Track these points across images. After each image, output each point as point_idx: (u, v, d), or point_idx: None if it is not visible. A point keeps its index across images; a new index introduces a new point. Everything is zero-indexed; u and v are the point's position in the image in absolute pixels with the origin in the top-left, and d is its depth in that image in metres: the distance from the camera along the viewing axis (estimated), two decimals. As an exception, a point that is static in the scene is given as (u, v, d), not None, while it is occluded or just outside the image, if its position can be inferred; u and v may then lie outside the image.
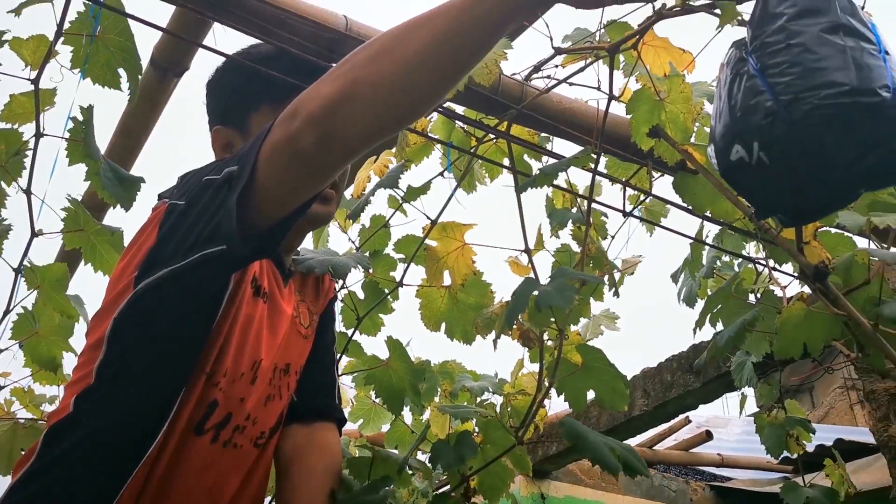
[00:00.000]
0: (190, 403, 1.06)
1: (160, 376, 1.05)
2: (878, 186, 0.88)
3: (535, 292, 1.23)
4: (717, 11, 1.16)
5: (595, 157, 1.38)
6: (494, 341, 1.47)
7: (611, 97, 1.46)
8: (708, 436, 3.79)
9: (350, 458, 1.55)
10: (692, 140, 1.40)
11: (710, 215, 1.57)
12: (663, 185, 2.32)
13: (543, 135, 1.75)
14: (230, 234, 0.95)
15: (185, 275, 1.01)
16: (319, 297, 1.42)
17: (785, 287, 1.66)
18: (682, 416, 3.37)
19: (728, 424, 4.54)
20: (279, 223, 0.99)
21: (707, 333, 3.23)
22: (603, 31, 1.52)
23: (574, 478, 3.48)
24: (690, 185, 1.50)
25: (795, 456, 2.16)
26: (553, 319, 1.43)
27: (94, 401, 1.04)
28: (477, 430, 1.76)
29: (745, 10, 1.20)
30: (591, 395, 1.64)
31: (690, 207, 1.55)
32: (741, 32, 1.07)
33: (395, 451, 1.92)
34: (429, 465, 1.56)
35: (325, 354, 1.41)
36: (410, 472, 1.45)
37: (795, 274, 1.99)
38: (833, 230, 1.63)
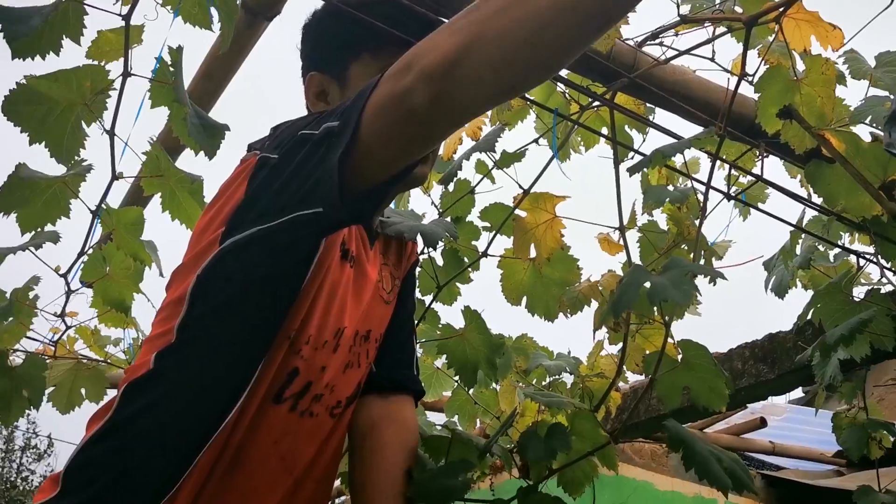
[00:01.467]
0: (271, 370, 1.02)
1: (242, 340, 1.01)
2: None
3: (647, 284, 1.14)
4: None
5: (718, 139, 1.28)
6: (594, 331, 1.39)
7: (742, 75, 1.34)
8: (762, 423, 3.69)
9: (427, 437, 1.50)
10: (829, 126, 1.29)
11: (840, 209, 1.46)
12: (771, 171, 2.20)
13: (648, 105, 1.65)
14: (330, 196, 0.89)
15: (275, 236, 0.96)
16: (402, 262, 1.36)
17: (898, 287, 1.55)
18: (739, 403, 3.28)
19: (783, 413, 4.43)
20: (380, 186, 0.93)
21: (781, 324, 3.11)
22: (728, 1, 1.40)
23: (625, 456, 3.42)
24: (825, 174, 1.39)
25: (874, 459, 2.07)
26: (655, 310, 1.35)
27: (174, 360, 1.00)
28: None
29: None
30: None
31: (818, 198, 1.44)
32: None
33: (474, 435, 1.86)
34: (510, 453, 1.50)
35: (405, 323, 1.36)
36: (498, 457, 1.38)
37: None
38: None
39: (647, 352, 1.61)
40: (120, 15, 1.39)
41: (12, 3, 1.22)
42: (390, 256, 1.31)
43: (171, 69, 1.47)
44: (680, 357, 1.29)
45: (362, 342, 1.17)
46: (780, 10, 1.16)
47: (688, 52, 1.38)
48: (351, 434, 1.24)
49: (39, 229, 1.53)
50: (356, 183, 0.91)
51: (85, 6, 1.37)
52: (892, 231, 1.60)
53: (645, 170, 1.80)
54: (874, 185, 1.24)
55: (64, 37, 1.34)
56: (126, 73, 1.45)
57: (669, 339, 1.34)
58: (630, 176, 1.29)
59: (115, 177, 1.56)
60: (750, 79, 1.29)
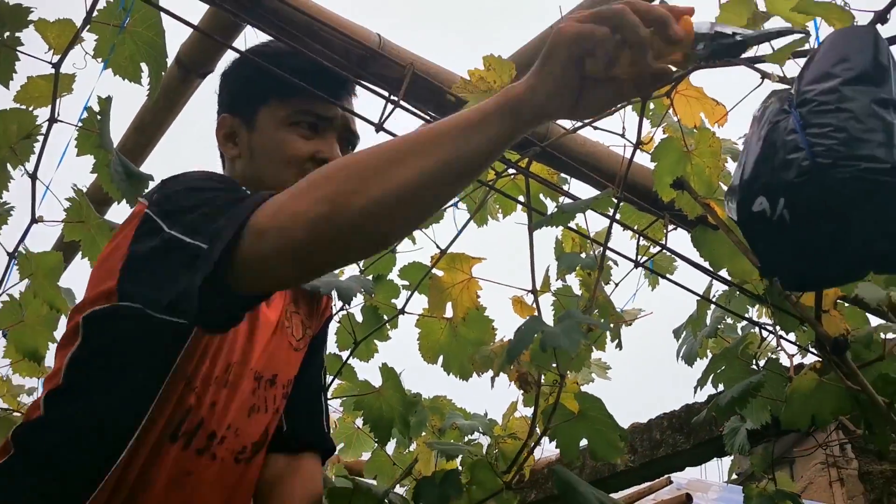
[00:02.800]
0: (168, 408, 1.02)
1: (134, 380, 1.01)
2: (888, 271, 0.85)
3: (541, 332, 1.20)
4: (758, 66, 1.14)
5: (615, 201, 1.36)
6: (492, 379, 1.43)
7: (636, 145, 1.44)
8: (687, 499, 3.72)
9: (331, 488, 1.50)
10: (714, 195, 1.38)
11: (726, 273, 1.54)
12: (674, 240, 2.30)
13: (562, 175, 1.73)
14: (192, 317, 0.87)
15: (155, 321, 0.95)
16: (314, 315, 1.37)
17: (792, 356, 1.63)
18: (664, 476, 3.31)
19: (709, 489, 4.47)
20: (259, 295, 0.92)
21: (700, 395, 3.18)
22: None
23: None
24: (710, 240, 1.48)
25: (782, 530, 2.11)
26: (555, 364, 1.39)
27: (62, 401, 1.01)
28: (461, 469, 1.71)
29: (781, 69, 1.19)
30: (582, 443, 1.60)
31: (707, 263, 1.52)
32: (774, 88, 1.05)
33: (375, 483, 1.86)
34: (410, 501, 1.51)
35: (315, 377, 1.36)
36: None
37: (799, 343, 1.96)
38: (847, 304, 1.60)
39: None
40: (50, 63, 1.43)
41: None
42: (301, 305, 1.32)
43: (99, 118, 1.51)
44: (577, 410, 1.33)
45: (268, 386, 1.17)
46: (671, 85, 1.26)
47: (592, 122, 1.47)
48: (256, 488, 1.23)
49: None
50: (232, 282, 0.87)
51: (17, 52, 1.41)
52: (788, 304, 1.69)
53: (558, 237, 1.89)
54: (752, 252, 1.32)
55: (-6, 80, 1.38)
56: (53, 119, 1.48)
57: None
58: (531, 233, 1.35)
59: (35, 220, 1.58)
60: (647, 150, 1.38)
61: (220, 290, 0.83)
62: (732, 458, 2.62)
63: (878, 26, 1.05)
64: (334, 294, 1.47)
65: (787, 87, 1.01)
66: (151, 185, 1.56)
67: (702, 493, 4.22)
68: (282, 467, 1.25)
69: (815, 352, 1.95)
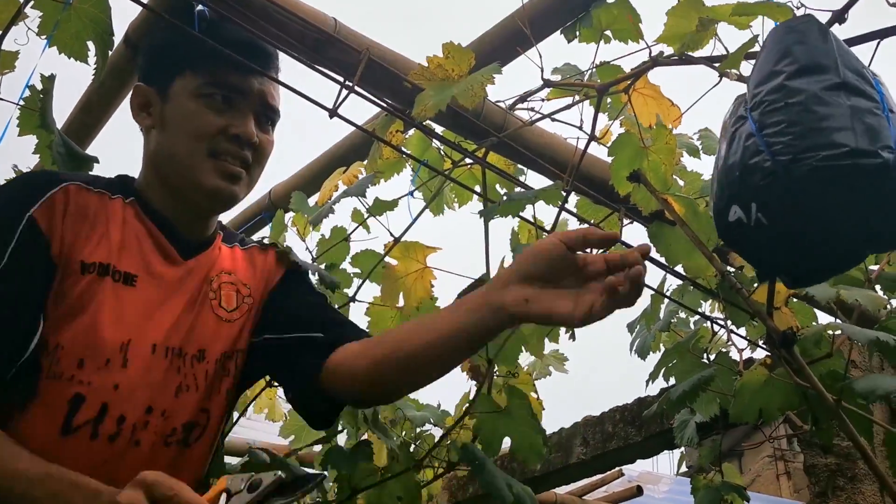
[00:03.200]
0: (29, 408, 1.00)
1: None
2: (883, 249, 0.86)
3: None
4: (716, 65, 1.14)
5: (565, 193, 1.35)
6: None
7: (591, 137, 1.44)
8: (638, 491, 3.77)
9: (245, 463, 1.51)
10: (670, 191, 1.38)
11: (681, 269, 1.55)
12: (629, 234, 2.31)
13: (519, 166, 1.72)
14: None
15: None
16: (256, 275, 1.25)
17: (742, 350, 1.65)
18: (616, 469, 3.35)
19: (659, 481, 4.53)
20: None
21: (652, 388, 3.22)
22: (593, 71, 1.50)
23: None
24: (666, 235, 1.48)
25: (728, 522, 2.14)
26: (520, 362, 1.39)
27: None
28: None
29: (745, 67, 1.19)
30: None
31: (663, 258, 1.53)
32: (740, 88, 1.05)
33: (294, 463, 1.84)
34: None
35: (314, 316, 1.22)
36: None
37: (750, 338, 1.99)
38: (796, 300, 1.63)
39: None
40: (-9, 39, 1.37)
41: None
42: (238, 271, 1.23)
43: (41, 96, 1.46)
44: (504, 405, 1.32)
45: (194, 362, 1.11)
46: (629, 81, 1.25)
47: (550, 115, 1.46)
48: (345, 384, 1.13)
49: None
50: None
51: (-46, 28, 1.35)
52: (740, 299, 1.71)
53: (515, 228, 1.88)
54: (708, 248, 1.33)
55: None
56: (-7, 97, 1.43)
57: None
58: (485, 222, 1.34)
59: (-28, 201, 1.51)
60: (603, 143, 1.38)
61: None
62: (682, 450, 2.66)
63: (837, 26, 1.05)
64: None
65: (745, 89, 1.01)
66: (96, 167, 1.52)
67: (652, 486, 4.27)
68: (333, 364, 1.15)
69: (764, 347, 1.99)
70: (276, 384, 1.93)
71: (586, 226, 0.92)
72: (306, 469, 1.67)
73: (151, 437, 1.05)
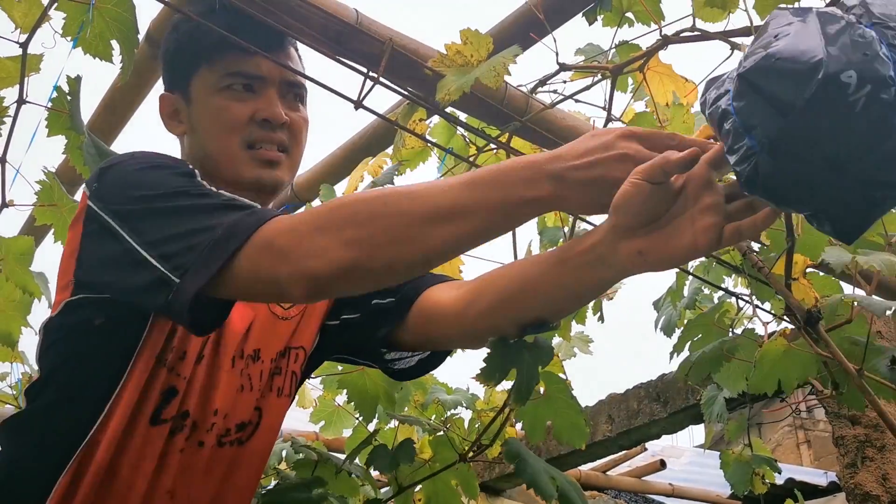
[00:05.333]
0: (136, 390, 1.00)
1: (94, 365, 1.00)
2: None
3: None
4: (732, 39, 1.14)
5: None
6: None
7: (609, 117, 1.44)
8: (662, 465, 3.80)
9: (296, 461, 1.52)
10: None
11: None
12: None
13: (543, 150, 1.73)
14: (180, 318, 0.88)
15: (118, 306, 0.97)
16: None
17: (767, 324, 1.65)
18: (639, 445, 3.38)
19: (682, 455, 4.56)
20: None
21: (676, 364, 3.24)
22: (614, 51, 1.50)
23: (528, 497, 3.45)
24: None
25: (758, 494, 2.17)
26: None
27: (39, 392, 1.02)
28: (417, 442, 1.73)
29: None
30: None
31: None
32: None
33: (337, 456, 1.86)
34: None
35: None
36: (357, 476, 1.42)
37: (774, 313, 1.99)
38: (817, 272, 1.63)
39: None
40: (18, 42, 1.39)
41: None
42: None
43: (69, 98, 1.47)
44: (542, 390, 1.33)
45: (251, 362, 1.12)
46: (642, 60, 1.26)
47: (571, 97, 1.47)
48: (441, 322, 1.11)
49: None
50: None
51: (-19, 32, 1.37)
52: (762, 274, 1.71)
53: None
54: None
55: (-42, 62, 1.33)
56: (21, 101, 1.44)
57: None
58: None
59: (5, 204, 1.54)
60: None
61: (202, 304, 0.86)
62: (707, 426, 2.68)
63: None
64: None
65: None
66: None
67: (675, 459, 4.31)
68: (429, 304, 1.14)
69: (788, 320, 1.99)
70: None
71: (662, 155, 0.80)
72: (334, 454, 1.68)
73: (213, 439, 1.07)
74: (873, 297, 1.41)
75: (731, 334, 1.77)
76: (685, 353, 1.85)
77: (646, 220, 0.82)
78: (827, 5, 0.90)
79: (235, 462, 1.10)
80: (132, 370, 0.99)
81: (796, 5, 1.00)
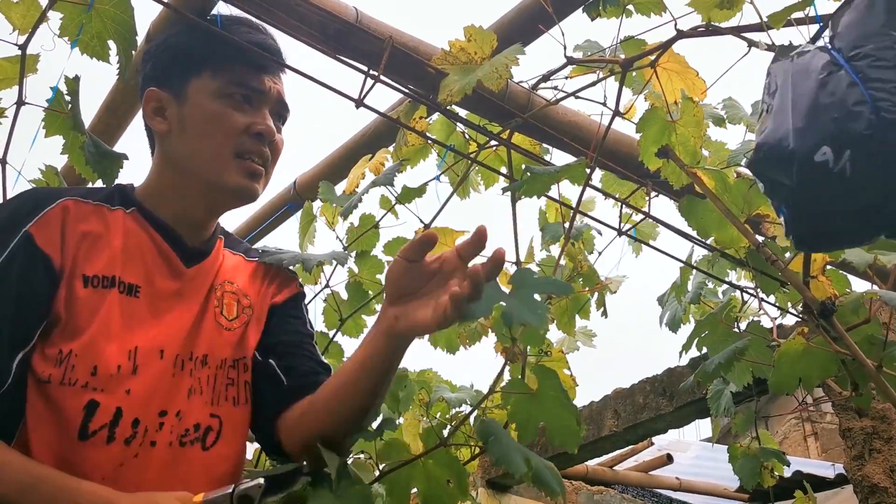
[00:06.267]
0: (47, 416, 1.01)
1: None
2: None
3: (503, 304, 1.10)
4: (745, 35, 1.13)
5: (589, 170, 1.35)
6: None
7: (616, 112, 1.43)
8: (668, 459, 3.79)
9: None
10: (700, 164, 1.38)
11: (713, 241, 1.55)
12: (657, 207, 2.30)
13: (544, 146, 1.72)
14: None
15: None
16: (261, 291, 1.27)
17: (775, 318, 1.65)
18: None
19: (688, 449, 4.55)
20: None
21: (677, 359, 3.22)
22: (617, 46, 1.49)
23: (534, 493, 3.44)
24: (698, 209, 1.48)
25: (767, 487, 2.16)
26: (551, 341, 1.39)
27: None
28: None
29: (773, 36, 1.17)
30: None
31: (695, 232, 1.53)
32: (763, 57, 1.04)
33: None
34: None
35: (296, 348, 1.26)
36: None
37: (779, 305, 1.98)
38: (830, 267, 1.62)
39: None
40: (16, 44, 1.38)
41: None
42: (247, 284, 1.25)
43: (68, 98, 1.47)
44: (535, 386, 1.30)
45: (200, 366, 1.14)
46: (658, 52, 1.25)
47: (576, 93, 1.46)
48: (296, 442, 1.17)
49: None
50: None
51: (-21, 34, 1.36)
52: (769, 267, 1.70)
53: (542, 208, 1.88)
54: (740, 220, 1.32)
55: (-44, 64, 1.33)
56: (20, 102, 1.44)
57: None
58: (513, 202, 1.34)
59: (7, 206, 1.53)
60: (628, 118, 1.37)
61: None
62: (713, 420, 2.67)
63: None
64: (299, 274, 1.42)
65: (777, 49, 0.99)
66: (126, 164, 1.53)
67: (681, 453, 4.30)
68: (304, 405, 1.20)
69: (794, 313, 1.98)
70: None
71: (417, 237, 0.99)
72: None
73: (167, 437, 1.07)
74: (892, 292, 1.40)
75: (736, 327, 1.77)
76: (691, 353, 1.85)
77: (406, 290, 1.00)
78: (809, 41, 0.95)
79: (198, 463, 1.10)
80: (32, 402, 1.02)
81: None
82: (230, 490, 0.96)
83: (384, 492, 1.47)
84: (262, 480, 0.97)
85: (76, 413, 1.02)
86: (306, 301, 1.37)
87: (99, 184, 1.52)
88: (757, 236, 1.40)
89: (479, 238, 0.96)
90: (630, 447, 3.59)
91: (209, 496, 0.97)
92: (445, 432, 1.82)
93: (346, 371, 1.11)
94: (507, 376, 1.90)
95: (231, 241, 1.30)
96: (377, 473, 1.49)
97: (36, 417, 1.02)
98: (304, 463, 1.15)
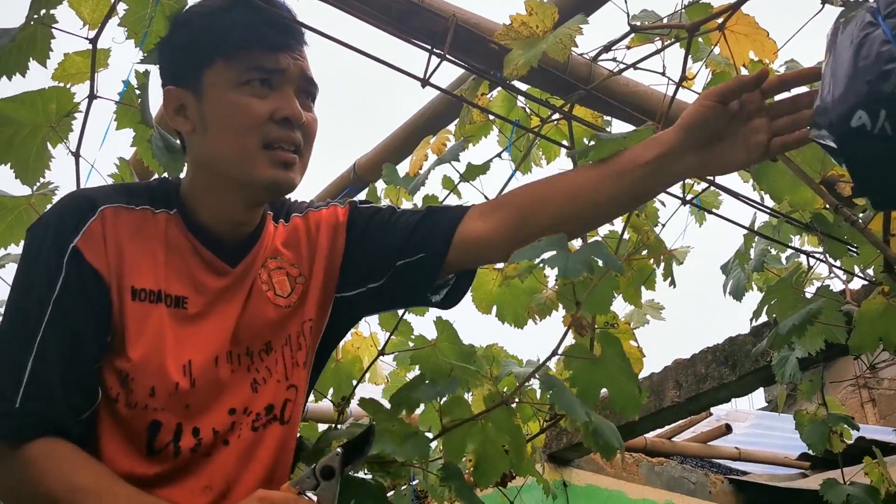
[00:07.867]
0: (113, 439, 1.04)
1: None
2: None
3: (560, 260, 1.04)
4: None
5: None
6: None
7: (682, 79, 1.41)
8: (727, 429, 3.77)
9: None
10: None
11: (786, 205, 1.53)
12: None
13: (606, 118, 1.71)
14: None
15: None
16: (307, 250, 1.22)
17: (848, 282, 1.63)
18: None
19: (747, 419, 4.52)
20: None
21: (742, 326, 3.19)
22: (681, 12, 1.47)
23: (596, 466, 3.46)
24: (770, 172, 1.46)
25: (836, 452, 2.14)
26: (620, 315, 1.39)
27: None
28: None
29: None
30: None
31: (766, 195, 1.51)
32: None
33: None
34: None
35: (398, 230, 1.21)
36: None
37: (846, 269, 1.95)
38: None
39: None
40: (87, 38, 1.41)
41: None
42: (284, 252, 1.20)
43: (138, 92, 1.50)
44: (599, 353, 1.31)
45: (263, 356, 1.13)
46: (727, 13, 1.23)
47: (637, 63, 1.44)
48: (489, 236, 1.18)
49: (4, 251, 1.52)
50: None
51: (52, 29, 1.39)
52: (836, 230, 1.68)
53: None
54: (815, 181, 1.30)
55: (31, 58, 1.35)
56: (92, 96, 1.46)
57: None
58: (573, 163, 1.34)
59: (83, 199, 1.57)
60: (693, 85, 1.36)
61: None
62: (778, 387, 2.64)
63: None
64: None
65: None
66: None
67: (738, 423, 4.27)
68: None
69: (862, 276, 1.95)
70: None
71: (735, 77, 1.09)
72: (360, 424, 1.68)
73: (238, 431, 1.08)
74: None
75: (804, 294, 1.75)
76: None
77: (710, 136, 1.06)
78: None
79: (285, 437, 1.13)
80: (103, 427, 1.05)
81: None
82: (312, 467, 0.98)
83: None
84: (339, 450, 0.98)
85: (141, 432, 1.04)
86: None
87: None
88: (833, 197, 1.38)
89: (799, 75, 1.06)
90: (688, 419, 3.58)
91: (294, 480, 1.00)
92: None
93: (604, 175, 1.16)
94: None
95: (278, 208, 1.24)
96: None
97: (107, 430, 1.04)
98: (373, 424, 1.17)
